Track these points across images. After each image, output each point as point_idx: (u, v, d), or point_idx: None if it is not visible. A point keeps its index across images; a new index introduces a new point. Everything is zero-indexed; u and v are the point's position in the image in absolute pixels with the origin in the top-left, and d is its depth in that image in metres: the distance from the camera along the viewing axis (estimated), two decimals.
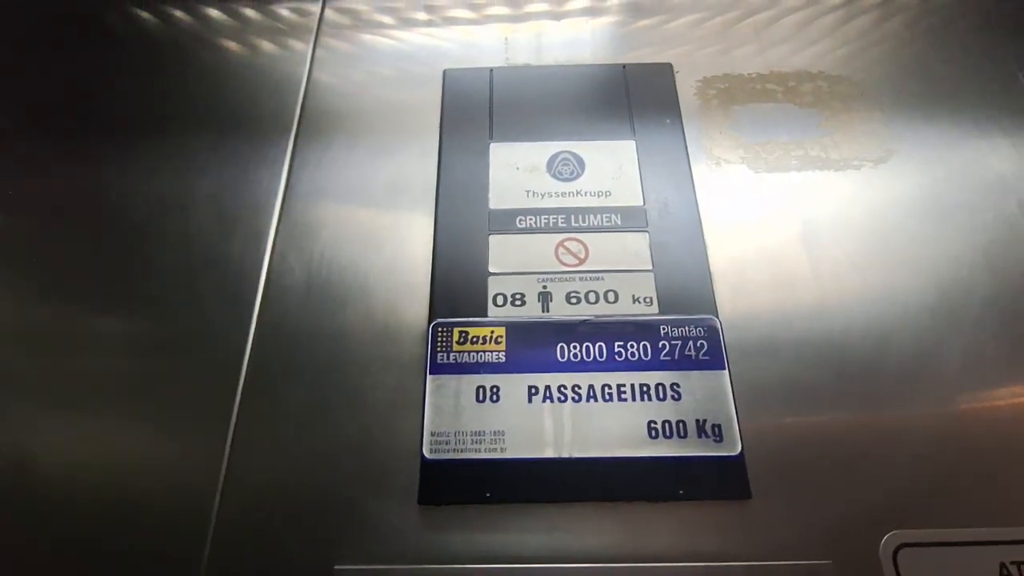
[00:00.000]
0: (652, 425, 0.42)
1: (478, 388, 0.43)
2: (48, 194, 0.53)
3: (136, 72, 0.60)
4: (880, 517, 0.39)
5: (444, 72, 0.58)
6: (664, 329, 0.45)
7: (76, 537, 0.40)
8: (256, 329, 0.47)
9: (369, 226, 0.51)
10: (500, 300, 0.47)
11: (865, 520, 0.39)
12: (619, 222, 0.50)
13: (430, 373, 0.44)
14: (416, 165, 0.54)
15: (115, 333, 0.47)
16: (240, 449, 0.42)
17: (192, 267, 0.49)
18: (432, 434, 0.42)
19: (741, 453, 0.41)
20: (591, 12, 0.64)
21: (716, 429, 0.42)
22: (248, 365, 0.45)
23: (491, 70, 0.58)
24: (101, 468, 0.42)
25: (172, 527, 0.40)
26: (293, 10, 0.64)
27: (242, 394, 0.44)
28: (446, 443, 0.41)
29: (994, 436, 0.42)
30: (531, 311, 0.46)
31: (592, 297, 0.47)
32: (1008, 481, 0.40)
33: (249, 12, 0.64)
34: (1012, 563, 0.38)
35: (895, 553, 0.39)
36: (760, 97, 0.58)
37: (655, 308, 0.46)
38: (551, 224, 0.50)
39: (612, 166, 0.52)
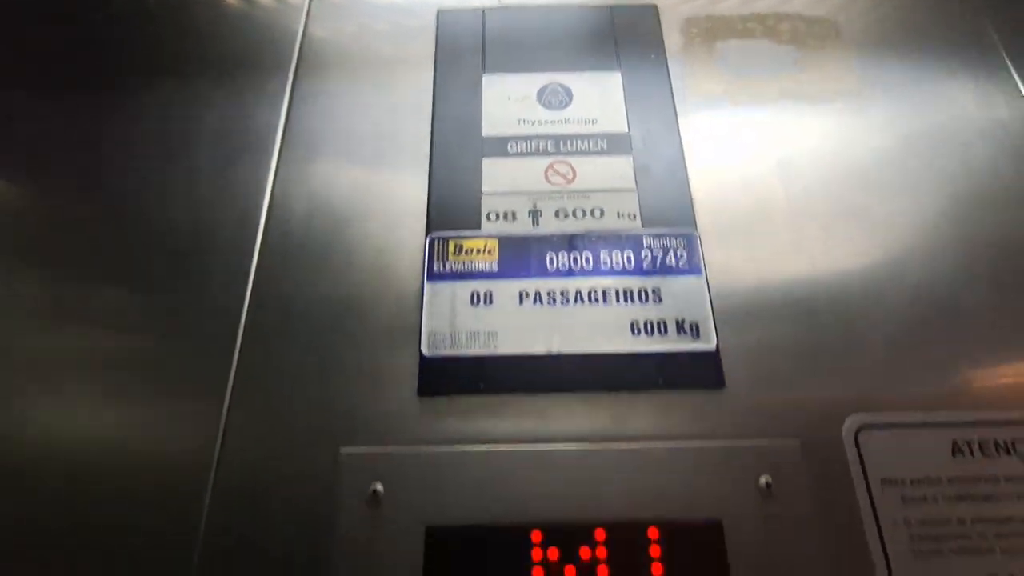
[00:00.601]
0: (635, 324, 0.45)
1: (472, 293, 0.46)
2: (51, 140, 0.56)
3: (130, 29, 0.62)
4: (843, 402, 0.43)
5: (438, 12, 0.61)
6: (647, 240, 0.48)
7: (71, 511, 0.40)
8: (261, 247, 0.49)
9: (368, 153, 0.54)
10: (493, 216, 0.49)
11: (829, 405, 0.43)
12: (605, 147, 0.53)
13: (428, 281, 0.47)
14: (412, 98, 0.57)
15: (121, 281, 0.49)
16: (249, 343, 0.45)
17: (198, 199, 0.52)
18: (430, 334, 0.45)
19: (716, 348, 0.44)
20: None
21: (694, 327, 0.45)
22: (254, 282, 0.48)
23: (484, 10, 0.61)
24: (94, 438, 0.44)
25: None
26: None
27: (249, 304, 0.47)
28: (443, 342, 0.44)
29: (948, 329, 0.45)
30: (522, 226, 0.49)
31: (579, 214, 0.50)
32: (958, 369, 0.44)
33: None
34: (964, 441, 0.42)
35: (856, 433, 0.42)
36: (740, 35, 0.61)
37: (638, 223, 0.49)
38: (541, 148, 0.53)
39: (599, 96, 0.55)
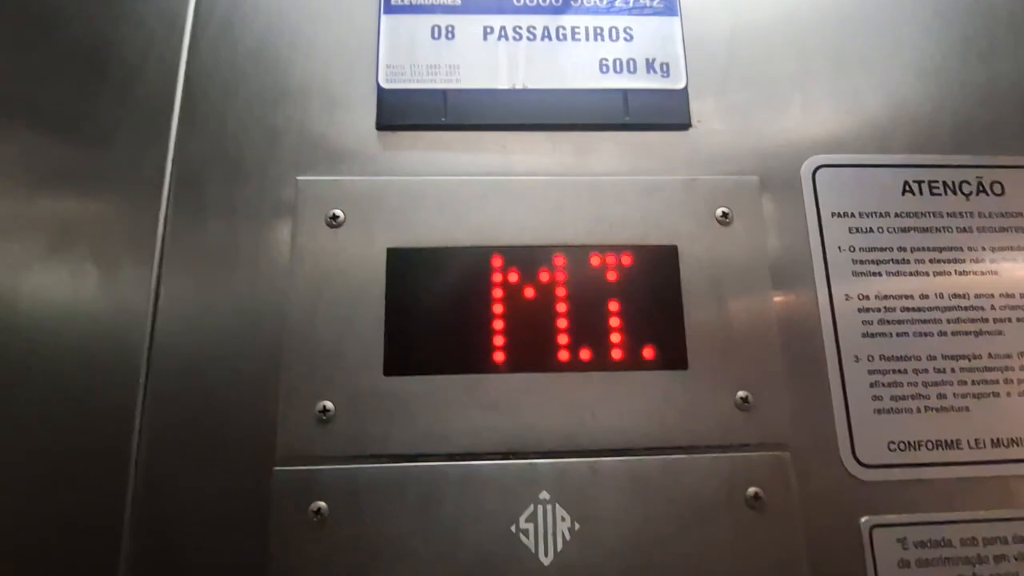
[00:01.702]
0: (604, 62, 0.43)
1: (433, 27, 0.43)
2: None
3: None
4: (803, 145, 0.43)
5: None
6: None
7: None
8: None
9: None
10: None
11: (790, 148, 0.43)
12: None
13: (384, 13, 0.43)
14: None
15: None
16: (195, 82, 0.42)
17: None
18: (388, 66, 0.42)
19: (685, 87, 0.43)
20: None
21: (664, 67, 0.43)
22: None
23: None
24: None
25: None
26: None
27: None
28: (402, 74, 0.42)
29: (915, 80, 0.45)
30: None
31: None
32: (917, 116, 0.44)
33: None
34: (915, 181, 0.43)
35: (814, 172, 0.43)
36: None
37: None
38: None
39: None
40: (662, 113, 0.42)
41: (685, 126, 0.43)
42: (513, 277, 0.39)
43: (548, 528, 0.35)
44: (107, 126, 0.41)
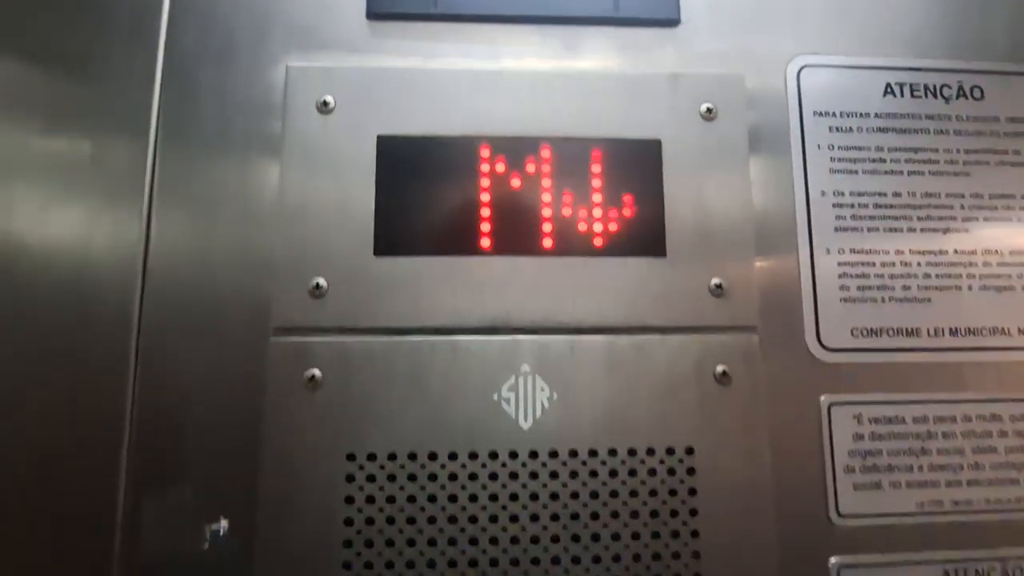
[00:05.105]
0: None
1: None
2: None
3: None
4: (790, 47, 0.44)
5: None
6: None
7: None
8: None
9: None
10: None
11: (777, 49, 0.43)
12: None
13: None
14: None
15: None
16: None
17: None
18: None
19: None
20: None
21: None
22: None
23: None
24: None
25: None
26: None
27: None
28: None
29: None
30: None
31: None
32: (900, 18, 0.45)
33: None
34: (896, 84, 0.44)
35: (799, 72, 0.43)
36: None
37: None
38: None
39: None
40: (652, 8, 0.43)
41: (674, 22, 0.43)
42: (500, 167, 0.40)
43: (528, 397, 0.38)
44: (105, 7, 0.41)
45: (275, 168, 0.39)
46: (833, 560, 0.38)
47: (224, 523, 0.36)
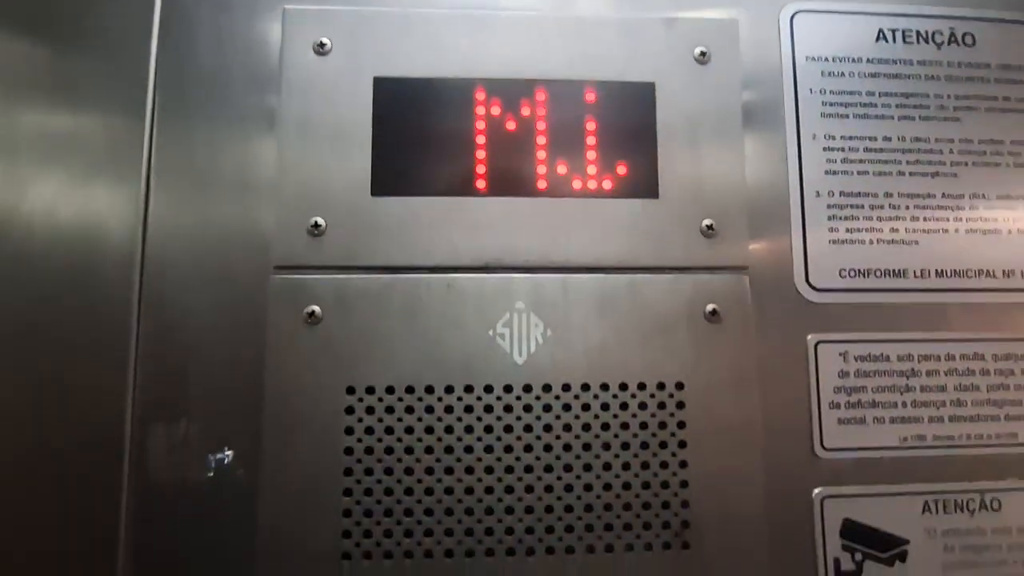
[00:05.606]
0: None
1: None
2: None
3: None
4: None
5: None
6: None
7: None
8: None
9: None
10: None
11: None
12: None
13: None
14: None
15: None
16: None
17: None
18: None
19: None
20: None
21: None
22: None
23: None
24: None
25: None
26: None
27: None
28: None
29: None
30: None
31: None
32: None
33: None
34: (889, 30, 0.44)
35: (792, 17, 0.44)
36: None
37: None
38: None
39: None
40: None
41: None
42: (495, 109, 0.41)
43: (522, 333, 0.39)
44: None
45: (274, 111, 0.40)
46: (817, 491, 0.39)
47: (229, 452, 0.37)
